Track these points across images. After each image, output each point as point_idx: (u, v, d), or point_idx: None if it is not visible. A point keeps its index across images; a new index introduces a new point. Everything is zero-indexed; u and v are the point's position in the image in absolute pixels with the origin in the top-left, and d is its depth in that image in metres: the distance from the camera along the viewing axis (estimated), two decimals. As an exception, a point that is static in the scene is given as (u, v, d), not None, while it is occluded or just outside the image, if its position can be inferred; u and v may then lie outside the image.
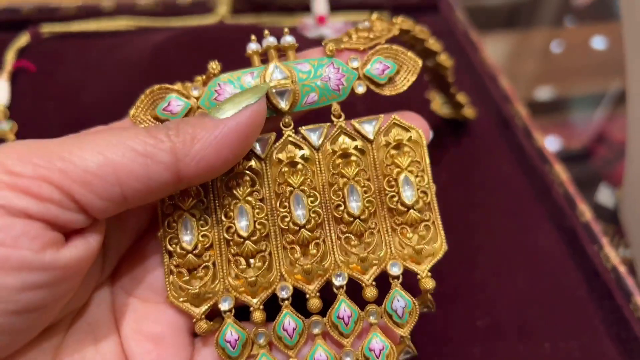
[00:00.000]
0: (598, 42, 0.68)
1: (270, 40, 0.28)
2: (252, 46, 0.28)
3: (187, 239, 0.26)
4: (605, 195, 0.54)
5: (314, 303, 0.26)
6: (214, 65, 0.27)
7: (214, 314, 0.27)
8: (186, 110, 0.27)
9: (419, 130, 0.28)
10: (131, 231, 0.28)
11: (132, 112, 0.27)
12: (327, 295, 0.27)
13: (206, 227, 0.27)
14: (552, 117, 0.61)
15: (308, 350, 0.26)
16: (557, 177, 0.39)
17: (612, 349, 0.33)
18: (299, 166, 0.27)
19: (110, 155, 0.22)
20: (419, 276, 0.27)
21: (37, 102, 0.43)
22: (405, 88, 0.28)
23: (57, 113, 0.42)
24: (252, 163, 0.27)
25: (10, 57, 0.44)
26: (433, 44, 0.35)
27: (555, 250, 0.37)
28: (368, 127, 0.28)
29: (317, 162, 0.27)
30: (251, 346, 0.27)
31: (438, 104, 0.44)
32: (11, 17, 0.47)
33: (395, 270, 0.27)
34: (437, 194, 0.28)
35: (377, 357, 0.26)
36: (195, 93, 0.27)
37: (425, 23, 0.50)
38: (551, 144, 0.59)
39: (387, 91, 0.28)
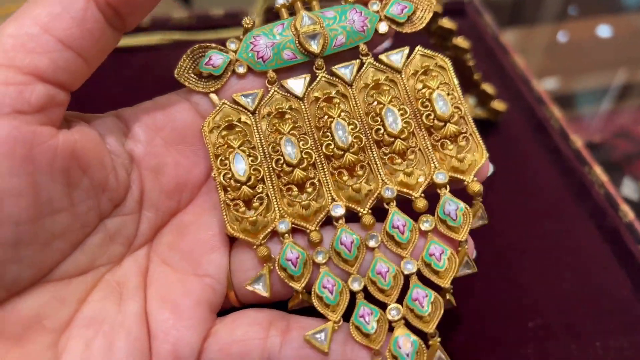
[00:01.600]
0: (604, 31, 0.69)
1: None
2: (280, 0, 0.30)
3: (240, 170, 0.28)
4: (629, 189, 0.55)
5: (367, 219, 0.28)
6: (247, 20, 0.29)
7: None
8: (226, 62, 0.29)
9: (443, 57, 0.30)
10: (172, 201, 0.29)
11: (175, 72, 0.29)
12: (378, 216, 0.28)
13: (256, 162, 0.28)
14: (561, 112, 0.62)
15: (368, 266, 0.27)
16: (598, 179, 0.40)
17: (661, 346, 0.34)
18: (336, 100, 0.29)
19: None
20: (465, 182, 0.28)
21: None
22: (423, 25, 0.30)
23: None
24: (292, 103, 0.29)
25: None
26: (446, 22, 0.38)
27: (598, 250, 0.38)
28: (395, 58, 0.30)
29: (352, 96, 0.29)
30: (311, 266, 0.27)
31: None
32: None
33: (441, 178, 0.28)
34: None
35: (439, 261, 0.27)
36: (232, 47, 0.29)
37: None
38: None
39: (407, 29, 0.30)
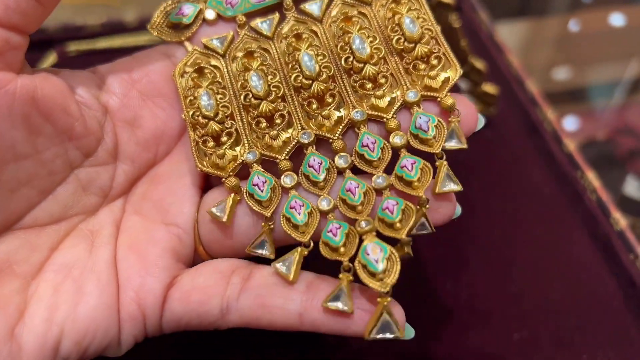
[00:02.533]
0: (617, 20, 0.67)
1: None
2: None
3: (207, 106, 0.28)
4: (632, 187, 0.53)
5: (338, 144, 0.27)
6: None
7: None
8: (196, 11, 0.30)
9: None
10: (149, 153, 0.29)
11: (149, 26, 0.30)
12: (350, 143, 0.27)
13: (225, 99, 0.28)
14: (571, 105, 0.61)
15: (339, 186, 0.26)
16: (590, 184, 0.39)
17: (650, 359, 0.33)
18: (305, 36, 0.29)
19: None
20: (438, 98, 0.27)
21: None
22: None
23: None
24: (261, 43, 0.29)
25: (38, 78, 0.45)
26: None
27: (589, 259, 0.37)
28: None
29: (322, 32, 0.29)
30: (280, 193, 0.27)
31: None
32: (38, 37, 0.47)
33: (412, 96, 0.27)
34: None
35: (410, 171, 0.26)
36: None
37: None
38: (570, 124, 0.58)
39: None
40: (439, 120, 0.26)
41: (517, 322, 0.34)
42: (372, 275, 0.24)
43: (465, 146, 0.26)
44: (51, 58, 0.46)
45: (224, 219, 0.26)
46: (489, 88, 0.43)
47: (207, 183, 0.30)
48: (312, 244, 0.26)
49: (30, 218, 0.26)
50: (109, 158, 0.28)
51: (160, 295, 0.26)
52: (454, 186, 0.26)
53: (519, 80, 0.45)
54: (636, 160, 0.56)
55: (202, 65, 0.29)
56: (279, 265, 0.26)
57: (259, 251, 0.27)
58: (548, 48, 0.66)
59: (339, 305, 0.24)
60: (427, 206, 0.26)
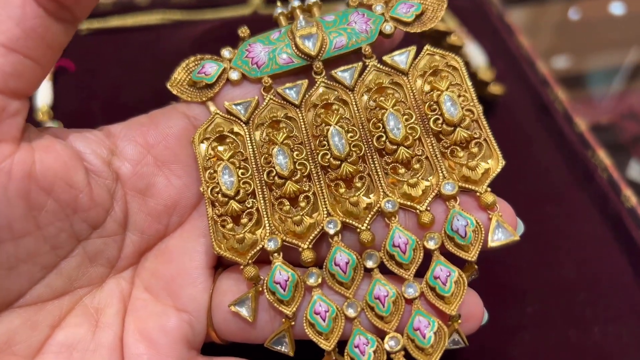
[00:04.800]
0: (616, 8, 0.68)
1: (295, 2, 0.29)
2: (278, 10, 0.29)
3: (227, 184, 0.26)
4: (636, 171, 0.54)
5: (366, 236, 0.25)
6: (243, 30, 0.28)
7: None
8: (220, 70, 0.27)
9: (454, 56, 0.27)
10: (160, 225, 0.27)
11: (169, 84, 0.28)
12: (379, 232, 0.26)
13: (247, 175, 0.26)
14: (571, 91, 0.61)
15: (366, 289, 0.25)
16: (601, 162, 0.39)
17: (660, 332, 0.33)
18: (335, 107, 0.27)
19: None
20: (478, 193, 0.25)
21: (79, 101, 0.44)
22: (435, 22, 0.27)
23: (101, 112, 0.43)
24: (288, 111, 0.27)
25: (51, 56, 0.45)
26: (440, 25, 0.36)
27: (600, 236, 0.37)
28: (400, 58, 0.27)
29: (354, 102, 0.27)
30: (303, 289, 0.25)
31: None
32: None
33: (449, 189, 0.25)
34: None
35: (445, 284, 0.24)
36: (227, 55, 0.28)
37: (458, 7, 0.51)
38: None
39: (417, 28, 0.28)
40: (477, 224, 0.25)
41: (530, 296, 0.35)
42: None
43: (517, 238, 0.25)
44: (63, 36, 0.46)
45: (250, 319, 0.25)
46: (495, 89, 0.43)
47: (219, 260, 0.28)
48: (336, 349, 0.25)
49: (32, 295, 0.24)
50: (118, 229, 0.26)
51: None
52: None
53: (529, 61, 0.46)
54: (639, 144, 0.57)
55: (224, 133, 0.27)
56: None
57: (278, 347, 0.25)
58: (548, 35, 0.66)
59: None
60: (460, 321, 0.25)
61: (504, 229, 0.25)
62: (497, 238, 0.25)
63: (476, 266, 0.25)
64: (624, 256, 0.36)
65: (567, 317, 0.34)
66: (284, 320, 0.25)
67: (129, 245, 0.27)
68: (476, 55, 0.45)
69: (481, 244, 0.25)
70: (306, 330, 0.25)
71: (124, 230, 0.26)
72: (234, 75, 0.27)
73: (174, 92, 0.28)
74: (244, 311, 0.25)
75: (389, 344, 0.24)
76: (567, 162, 0.41)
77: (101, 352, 0.25)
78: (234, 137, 0.27)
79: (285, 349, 0.25)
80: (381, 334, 0.25)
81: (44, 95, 0.43)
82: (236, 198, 0.26)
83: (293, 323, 0.25)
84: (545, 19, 0.67)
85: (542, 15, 0.68)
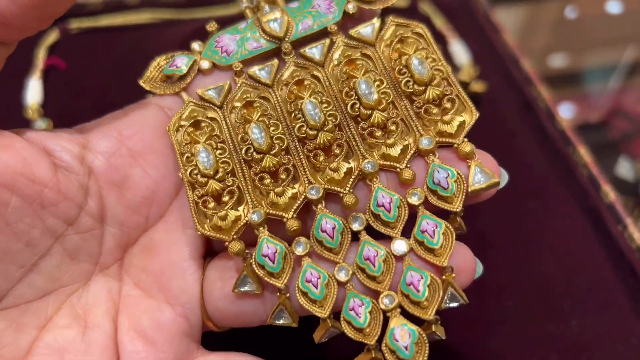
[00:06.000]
0: (613, 6, 0.68)
1: None
2: (244, 4, 0.29)
3: (205, 163, 0.26)
4: (625, 169, 0.54)
5: (349, 199, 0.25)
6: (211, 24, 0.29)
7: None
8: (190, 62, 0.28)
9: (419, 24, 0.28)
10: (140, 216, 0.27)
11: (141, 81, 0.28)
12: (362, 196, 0.26)
13: (225, 154, 0.26)
14: (567, 89, 0.62)
15: (354, 254, 0.25)
16: (581, 159, 0.40)
17: (637, 326, 0.34)
18: (307, 82, 0.27)
19: None
20: (455, 145, 0.26)
21: (69, 99, 0.44)
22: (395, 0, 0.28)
23: (90, 110, 0.43)
24: (260, 92, 0.27)
25: (41, 54, 0.46)
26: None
27: (580, 231, 0.38)
28: (366, 31, 0.28)
29: (325, 77, 0.27)
30: (292, 260, 0.25)
31: None
32: (40, 15, 0.48)
33: (427, 143, 0.25)
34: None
35: (432, 237, 0.24)
36: (197, 48, 0.28)
37: (444, 5, 0.51)
38: (565, 111, 0.59)
39: (379, 4, 0.28)
40: (458, 174, 0.25)
41: (510, 290, 0.35)
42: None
43: (497, 179, 0.26)
44: (53, 35, 0.47)
45: (259, 291, 0.25)
46: (476, 87, 0.44)
47: (208, 246, 0.28)
48: (331, 316, 0.25)
49: (14, 295, 0.24)
50: (94, 223, 0.26)
51: None
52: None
53: (514, 59, 0.46)
54: (629, 142, 0.57)
55: (198, 118, 0.27)
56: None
57: (280, 321, 0.25)
58: (545, 33, 0.67)
59: None
60: (453, 274, 0.24)
61: (483, 173, 0.25)
62: (477, 181, 0.25)
63: (460, 219, 0.26)
64: (603, 250, 0.37)
65: (546, 310, 0.35)
66: (278, 294, 0.25)
67: (110, 240, 0.27)
68: (460, 53, 0.45)
69: (464, 194, 0.25)
70: (299, 300, 0.24)
71: (101, 225, 0.26)
72: (205, 65, 0.28)
73: (147, 88, 0.28)
74: (248, 288, 0.25)
75: (383, 302, 0.24)
76: (550, 158, 0.42)
77: (93, 352, 0.25)
78: (209, 121, 0.27)
79: (287, 321, 0.25)
80: (375, 295, 0.24)
81: (34, 93, 0.43)
82: (215, 177, 0.26)
83: (288, 295, 0.25)
84: (542, 17, 0.68)
85: (539, 14, 0.68)
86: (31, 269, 0.24)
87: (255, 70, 0.28)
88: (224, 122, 0.27)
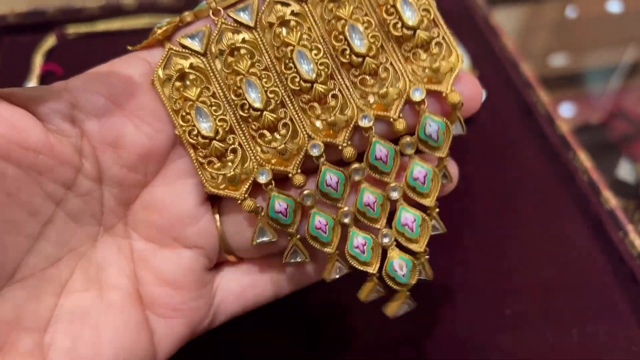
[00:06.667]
0: (614, 6, 0.68)
1: None
2: None
3: (205, 126, 0.26)
4: (626, 171, 0.54)
5: (348, 151, 0.26)
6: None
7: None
8: (177, 19, 0.27)
9: None
10: (138, 174, 0.27)
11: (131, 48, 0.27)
12: (359, 146, 0.27)
13: (220, 112, 0.26)
14: (567, 90, 0.61)
15: (355, 198, 0.27)
16: (581, 165, 0.39)
17: (638, 333, 0.34)
18: (292, 23, 0.26)
19: None
20: (443, 93, 0.26)
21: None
22: None
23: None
24: (244, 35, 0.27)
25: (38, 60, 0.45)
26: None
27: (580, 237, 0.38)
28: None
29: (310, 14, 0.27)
30: (301, 211, 0.27)
31: None
32: (36, 20, 0.48)
33: (418, 95, 0.26)
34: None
35: (423, 184, 0.27)
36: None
37: (442, 8, 0.51)
38: (566, 111, 0.59)
39: None
40: (446, 125, 0.26)
41: (509, 297, 0.35)
42: (399, 284, 0.27)
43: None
44: (50, 41, 0.47)
45: (275, 239, 0.27)
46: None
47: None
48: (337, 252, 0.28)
49: (26, 266, 0.24)
50: (93, 185, 0.26)
51: (209, 312, 0.28)
52: (446, 182, 0.28)
53: (513, 63, 0.46)
54: (629, 144, 0.57)
55: (184, 70, 0.26)
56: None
57: (296, 259, 0.28)
58: (545, 33, 0.66)
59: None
60: (437, 210, 0.27)
61: (460, 128, 0.27)
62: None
63: (446, 165, 0.27)
64: (603, 257, 0.36)
65: (546, 318, 0.34)
66: (289, 238, 0.27)
67: (110, 199, 0.26)
68: (460, 57, 0.45)
69: (449, 143, 0.26)
70: (310, 242, 0.27)
71: (100, 186, 0.26)
72: (188, 18, 0.27)
73: (130, 48, 0.27)
74: (266, 238, 0.27)
75: (382, 240, 0.27)
76: (550, 163, 0.41)
77: (113, 312, 0.25)
78: (195, 72, 0.26)
79: (301, 257, 0.28)
80: (374, 233, 0.27)
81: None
82: (216, 138, 0.26)
83: (299, 236, 0.27)
84: (541, 18, 0.68)
85: (538, 14, 0.68)
86: (38, 237, 0.24)
87: (235, 11, 0.27)
88: (210, 71, 0.26)
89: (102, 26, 0.48)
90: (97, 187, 0.26)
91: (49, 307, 0.24)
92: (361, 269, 0.27)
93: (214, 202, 0.28)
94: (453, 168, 0.28)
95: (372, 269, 0.27)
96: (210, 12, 0.27)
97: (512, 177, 0.41)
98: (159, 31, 0.26)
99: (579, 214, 0.38)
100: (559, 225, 0.38)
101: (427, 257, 0.28)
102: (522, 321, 0.34)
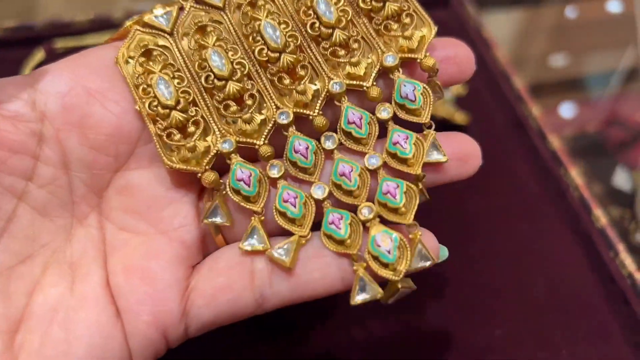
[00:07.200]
0: (614, 6, 0.67)
1: None
2: None
3: (165, 94, 0.25)
4: (622, 179, 0.54)
5: (319, 121, 0.25)
6: None
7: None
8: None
9: None
10: (108, 156, 0.26)
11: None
12: (331, 118, 0.26)
13: (183, 84, 0.25)
14: (567, 94, 0.61)
15: (329, 170, 0.25)
16: (572, 181, 0.39)
17: (629, 355, 0.33)
18: (260, 2, 0.26)
19: None
20: (418, 59, 0.26)
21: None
22: None
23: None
24: (212, 15, 0.26)
25: (26, 75, 0.45)
26: None
27: (571, 256, 0.37)
28: None
29: None
30: (267, 184, 0.25)
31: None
32: (25, 35, 0.47)
33: (391, 60, 0.25)
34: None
35: (404, 148, 0.25)
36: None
37: (436, 19, 0.50)
38: (566, 111, 0.59)
39: None
40: (424, 87, 0.25)
41: (499, 318, 0.35)
42: (385, 265, 0.24)
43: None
44: (39, 55, 0.46)
45: (228, 223, 0.25)
46: (459, 119, 0.43)
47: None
48: (310, 235, 0.25)
49: None
50: (57, 172, 0.24)
51: (179, 311, 0.24)
52: (438, 156, 0.25)
53: (505, 75, 0.46)
54: (625, 151, 0.57)
55: (149, 47, 0.26)
56: (275, 252, 0.24)
57: (249, 243, 0.25)
58: (544, 36, 0.66)
59: (366, 296, 0.24)
60: (424, 180, 0.25)
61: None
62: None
63: (434, 132, 0.26)
64: (594, 276, 0.36)
65: (536, 339, 0.34)
66: (252, 217, 0.25)
67: (80, 186, 0.25)
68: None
69: (431, 106, 0.25)
70: (277, 220, 0.25)
71: (66, 172, 0.25)
72: (159, 9, 0.27)
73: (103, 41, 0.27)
74: (218, 219, 0.25)
75: (362, 213, 0.24)
76: (540, 179, 0.41)
77: (85, 305, 0.24)
78: (160, 49, 0.26)
79: (258, 243, 0.25)
80: (353, 210, 0.25)
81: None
82: (177, 108, 0.25)
83: (262, 218, 0.25)
84: (542, 20, 0.67)
85: (539, 16, 0.67)
86: (1, 234, 0.23)
87: None
88: (176, 49, 0.26)
89: (90, 40, 0.48)
90: (63, 173, 0.25)
91: (20, 307, 0.23)
92: (338, 251, 0.24)
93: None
94: (442, 138, 0.26)
95: (352, 249, 0.24)
96: None
97: (503, 192, 0.41)
98: (130, 22, 0.26)
99: (570, 232, 0.38)
100: (549, 243, 0.38)
101: (420, 233, 0.24)
102: (512, 342, 0.34)
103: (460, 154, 0.26)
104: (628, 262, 0.35)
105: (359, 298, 0.24)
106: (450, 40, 0.27)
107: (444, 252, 0.26)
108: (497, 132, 0.44)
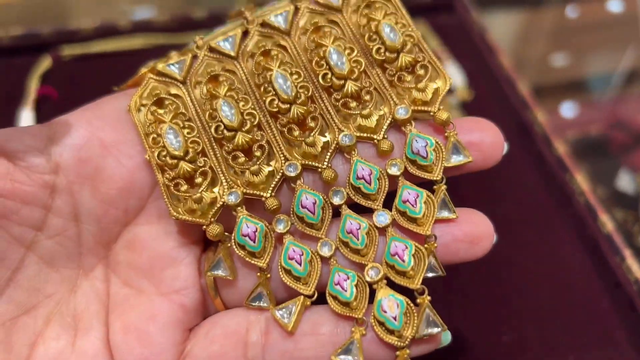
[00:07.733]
0: (614, 5, 0.67)
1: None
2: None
3: (175, 144, 0.25)
4: (625, 182, 0.54)
5: (328, 174, 0.24)
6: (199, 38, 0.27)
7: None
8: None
9: None
10: (118, 210, 0.25)
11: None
12: (340, 170, 0.26)
13: (193, 134, 0.25)
14: (568, 95, 0.61)
15: (336, 229, 0.24)
16: (578, 187, 0.39)
17: (636, 359, 0.34)
18: (274, 53, 0.26)
19: None
20: (431, 112, 0.25)
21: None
22: None
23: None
24: (225, 64, 0.26)
25: (33, 84, 0.45)
26: None
27: (577, 261, 0.37)
28: None
29: (292, 46, 0.26)
30: (273, 239, 0.25)
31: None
32: (32, 42, 0.47)
33: (403, 113, 0.25)
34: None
35: (414, 206, 0.24)
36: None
37: (440, 24, 0.51)
38: (567, 111, 0.59)
39: None
40: (436, 143, 0.25)
41: (506, 324, 0.35)
42: (391, 332, 0.23)
43: (471, 159, 0.25)
44: (46, 63, 0.47)
45: (231, 277, 0.25)
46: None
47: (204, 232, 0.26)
48: (316, 294, 0.25)
49: None
50: (67, 223, 0.24)
51: None
52: (447, 213, 0.25)
53: (509, 81, 0.46)
54: (629, 154, 0.57)
55: (161, 95, 0.26)
56: (278, 313, 0.24)
57: (258, 303, 0.25)
58: (545, 37, 0.66)
59: (349, 358, 0.23)
60: (435, 243, 0.24)
61: (459, 151, 0.25)
62: (456, 160, 0.25)
63: (444, 186, 0.25)
64: (601, 282, 0.36)
65: (543, 345, 0.34)
66: (258, 274, 0.25)
67: (88, 239, 0.25)
68: (455, 75, 0.45)
69: (443, 162, 0.25)
70: (283, 278, 0.24)
71: (76, 223, 0.25)
72: (174, 57, 0.27)
73: (116, 88, 0.27)
74: (221, 272, 0.25)
75: (369, 274, 0.24)
76: (546, 185, 0.41)
77: (85, 359, 0.24)
78: (172, 99, 0.26)
79: (265, 303, 0.25)
80: (360, 269, 0.24)
81: (27, 124, 0.43)
82: (186, 158, 0.25)
83: (269, 276, 0.25)
84: (543, 20, 0.67)
85: (540, 17, 0.67)
86: (7, 284, 0.23)
87: (217, 42, 0.26)
88: (188, 98, 0.26)
89: (97, 47, 0.48)
90: (73, 225, 0.25)
91: (21, 358, 0.23)
92: (344, 313, 0.24)
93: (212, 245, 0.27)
94: (459, 213, 0.25)
95: (357, 313, 0.23)
96: (195, 46, 0.27)
97: (509, 198, 0.41)
98: (145, 70, 0.26)
99: (576, 238, 0.38)
100: (555, 248, 0.38)
101: (429, 298, 0.24)
102: (519, 348, 0.34)
103: (472, 237, 0.25)
104: (635, 268, 0.35)
105: (340, 357, 0.23)
106: (478, 121, 0.26)
107: (446, 337, 0.26)
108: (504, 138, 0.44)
